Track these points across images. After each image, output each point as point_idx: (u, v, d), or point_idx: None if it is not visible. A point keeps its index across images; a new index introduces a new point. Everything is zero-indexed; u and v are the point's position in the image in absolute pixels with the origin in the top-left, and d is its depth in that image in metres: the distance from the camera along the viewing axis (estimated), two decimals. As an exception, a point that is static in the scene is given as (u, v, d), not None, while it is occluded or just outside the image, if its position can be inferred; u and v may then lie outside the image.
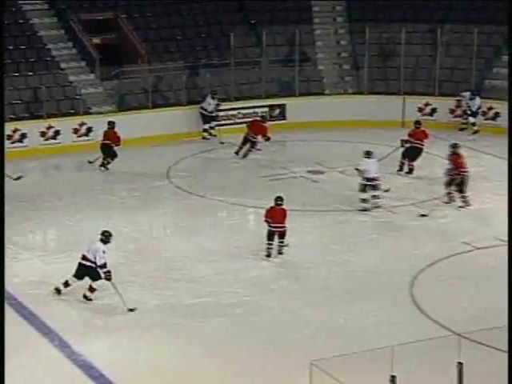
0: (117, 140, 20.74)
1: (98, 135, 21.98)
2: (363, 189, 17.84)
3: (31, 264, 15.32)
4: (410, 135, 20.47)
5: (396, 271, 14.98)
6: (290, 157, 21.80)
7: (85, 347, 12.30)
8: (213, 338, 12.82)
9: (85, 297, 13.75)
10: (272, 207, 15.59)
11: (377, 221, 17.56)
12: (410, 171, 20.27)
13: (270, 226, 15.47)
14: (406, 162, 20.29)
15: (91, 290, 13.72)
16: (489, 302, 13.77)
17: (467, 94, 23.66)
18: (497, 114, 23.84)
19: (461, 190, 18.06)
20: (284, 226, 15.49)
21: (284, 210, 15.55)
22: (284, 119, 24.12)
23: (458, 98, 23.81)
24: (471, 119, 23.65)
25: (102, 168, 20.74)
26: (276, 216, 15.48)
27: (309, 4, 26.60)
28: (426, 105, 24.35)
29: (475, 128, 23.61)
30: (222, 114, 23.45)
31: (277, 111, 24.14)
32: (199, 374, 11.79)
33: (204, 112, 23.18)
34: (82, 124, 22.47)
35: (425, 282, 14.59)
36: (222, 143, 22.82)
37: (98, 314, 13.47)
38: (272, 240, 15.49)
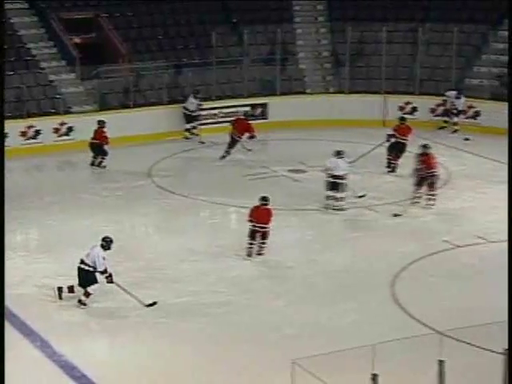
0: (103, 139, 20.70)
1: (78, 135, 21.93)
2: (330, 187, 17.79)
3: (12, 264, 15.23)
4: (394, 130, 20.57)
5: (377, 270, 15.03)
6: (272, 156, 21.82)
7: (66, 347, 12.26)
8: (195, 337, 12.81)
9: (79, 301, 13.53)
10: (256, 207, 15.58)
11: (358, 220, 17.61)
12: (393, 169, 20.35)
13: (253, 226, 15.46)
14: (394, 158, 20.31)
15: (86, 294, 13.52)
16: (470, 300, 13.86)
17: (452, 93, 23.74)
18: (477, 113, 23.98)
19: (431, 190, 18.10)
20: (267, 227, 15.44)
21: (269, 211, 15.51)
22: (265, 118, 24.14)
23: (443, 98, 23.86)
24: (455, 118, 23.74)
25: (94, 167, 20.71)
26: (260, 216, 15.46)
27: (290, 3, 26.64)
28: (407, 103, 24.45)
29: (456, 127, 23.72)
30: (203, 113, 23.44)
31: (258, 110, 24.15)
32: (182, 374, 11.79)
33: (186, 112, 23.17)
34: (62, 124, 22.39)
35: (406, 281, 14.65)
36: (202, 143, 22.81)
37: (80, 315, 13.42)
38: (254, 239, 15.48)
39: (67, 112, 22.77)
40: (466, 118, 24.00)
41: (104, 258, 13.49)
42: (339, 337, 12.49)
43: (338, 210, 17.68)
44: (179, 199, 18.80)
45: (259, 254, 15.53)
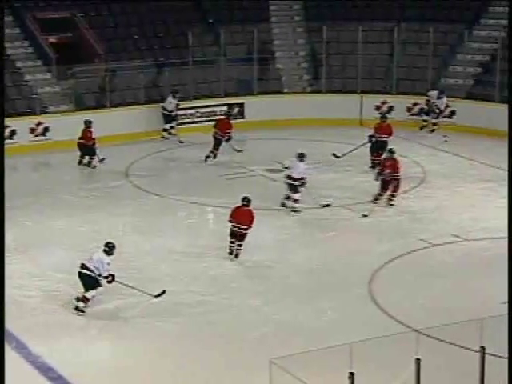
0: (89, 139, 20.60)
1: (54, 135, 21.82)
2: (288, 187, 17.78)
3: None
4: (375, 129, 20.64)
5: (355, 269, 15.08)
6: (249, 155, 21.82)
7: (43, 348, 12.21)
8: (173, 337, 12.81)
9: (76, 308, 13.36)
10: (237, 207, 15.53)
11: (335, 218, 17.65)
12: (374, 166, 20.42)
13: (232, 226, 15.42)
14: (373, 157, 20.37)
15: (85, 300, 13.37)
16: (446, 298, 13.95)
17: (434, 93, 23.79)
18: (453, 112, 24.10)
19: (394, 191, 18.17)
20: (246, 228, 15.30)
21: (249, 212, 15.36)
22: (242, 118, 24.14)
23: (427, 98, 23.88)
24: (434, 119, 23.74)
25: (82, 165, 20.64)
26: (238, 216, 15.38)
27: (266, 3, 26.66)
28: (384, 103, 24.54)
29: (434, 127, 23.80)
30: (180, 112, 23.40)
31: (235, 110, 24.15)
32: (160, 374, 11.77)
33: (165, 112, 23.12)
34: (38, 124, 22.29)
35: (383, 279, 14.71)
36: (181, 142, 22.79)
37: (55, 315, 13.36)
38: (235, 239, 15.44)
39: (43, 112, 22.67)
40: (443, 117, 24.11)
41: (108, 264, 13.39)
42: (317, 336, 12.52)
43: (293, 211, 17.63)
44: (156, 199, 18.77)
45: (236, 256, 15.47)
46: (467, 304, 13.57)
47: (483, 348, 9.71)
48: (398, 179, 18.16)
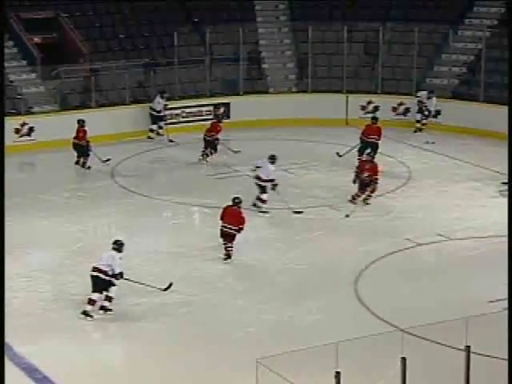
0: (81, 139, 20.47)
1: (39, 135, 21.74)
2: (259, 188, 17.78)
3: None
4: (364, 130, 20.72)
5: (340, 268, 15.10)
6: (235, 156, 21.79)
7: (27, 349, 12.16)
8: (158, 337, 12.78)
9: (102, 308, 13.32)
10: (227, 207, 15.48)
11: (321, 218, 17.67)
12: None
13: (221, 226, 15.35)
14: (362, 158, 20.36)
15: (108, 299, 13.33)
16: (432, 298, 13.97)
17: (424, 93, 23.77)
18: (438, 112, 24.15)
19: (371, 192, 18.22)
20: (234, 228, 15.19)
21: (238, 212, 15.26)
22: (228, 118, 24.13)
23: (418, 99, 23.85)
24: (424, 120, 23.70)
25: (78, 166, 20.49)
26: (227, 216, 15.30)
27: (252, 3, 26.66)
28: (369, 103, 24.58)
29: (423, 127, 23.78)
30: (166, 112, 23.36)
31: (221, 109, 24.13)
32: (144, 375, 11.74)
33: (153, 112, 23.07)
34: (23, 124, 22.20)
35: (368, 279, 14.74)
36: (171, 141, 22.73)
37: (41, 315, 13.32)
38: (226, 240, 15.32)
39: (28, 112, 22.59)
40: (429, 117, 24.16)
41: (121, 258, 13.36)
42: (303, 335, 12.53)
43: (261, 211, 17.60)
44: (142, 199, 18.73)
45: (225, 257, 15.35)
46: (453, 303, 13.60)
47: (468, 347, 9.74)
48: (376, 182, 18.20)
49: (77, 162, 20.69)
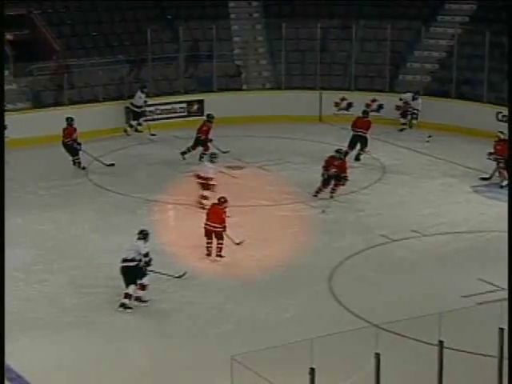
0: (66, 137, 20.30)
1: (11, 133, 21.56)
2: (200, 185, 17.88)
3: None
4: (353, 123, 20.90)
5: (315, 265, 15.15)
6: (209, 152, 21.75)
7: (2, 349, 12.09)
8: (134, 334, 12.78)
9: (137, 299, 13.42)
10: (212, 205, 15.58)
11: (295, 215, 17.71)
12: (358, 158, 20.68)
13: (205, 225, 15.36)
14: (350, 151, 20.36)
15: (142, 287, 13.44)
16: (406, 293, 14.07)
17: (408, 95, 23.75)
18: (414, 109, 24.21)
19: (336, 187, 18.31)
20: (217, 226, 15.26)
21: (220, 210, 15.34)
22: (202, 115, 24.09)
23: (403, 101, 23.80)
24: (414, 121, 23.68)
25: (75, 166, 20.32)
26: (210, 214, 15.40)
27: (225, 0, 26.64)
28: (342, 99, 24.66)
29: (404, 126, 23.78)
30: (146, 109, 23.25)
31: (195, 107, 24.11)
32: (118, 372, 11.72)
33: (134, 108, 22.97)
34: (-5, 122, 22.01)
35: (343, 275, 14.80)
36: (153, 135, 22.62)
37: (14, 314, 13.22)
38: (209, 238, 15.34)
39: (0, 110, 22.39)
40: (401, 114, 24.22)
41: (146, 247, 13.50)
42: (278, 332, 12.56)
43: (201, 208, 17.54)
44: (117, 197, 18.66)
45: (218, 255, 15.39)
46: (427, 298, 13.70)
47: (441, 342, 9.83)
48: (345, 178, 18.23)
49: (74, 163, 20.42)
